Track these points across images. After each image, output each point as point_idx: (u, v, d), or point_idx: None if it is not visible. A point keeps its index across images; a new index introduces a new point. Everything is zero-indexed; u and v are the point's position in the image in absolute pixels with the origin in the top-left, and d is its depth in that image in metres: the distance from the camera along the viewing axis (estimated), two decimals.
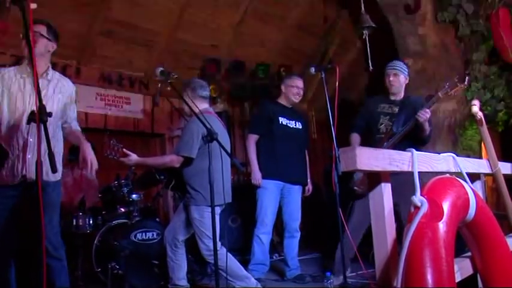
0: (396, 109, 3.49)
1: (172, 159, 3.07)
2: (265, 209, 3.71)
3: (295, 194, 3.86)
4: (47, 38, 2.63)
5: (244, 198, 4.36)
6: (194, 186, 3.05)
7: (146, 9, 5.06)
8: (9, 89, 2.54)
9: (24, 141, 2.51)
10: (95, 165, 2.55)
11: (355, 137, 3.68)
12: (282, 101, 3.99)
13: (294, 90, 3.93)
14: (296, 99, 3.96)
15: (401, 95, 3.55)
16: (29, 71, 2.57)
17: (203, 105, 3.25)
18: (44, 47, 2.63)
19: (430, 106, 3.25)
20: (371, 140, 3.52)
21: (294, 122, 3.94)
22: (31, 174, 2.46)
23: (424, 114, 3.19)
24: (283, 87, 4.00)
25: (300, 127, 3.98)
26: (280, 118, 3.85)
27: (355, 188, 3.45)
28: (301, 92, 3.99)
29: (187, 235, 3.21)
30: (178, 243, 3.18)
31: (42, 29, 2.62)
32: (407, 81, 3.58)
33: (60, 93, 2.69)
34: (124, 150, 3.00)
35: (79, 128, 2.83)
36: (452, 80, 3.23)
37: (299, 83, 3.97)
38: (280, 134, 3.81)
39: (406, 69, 3.55)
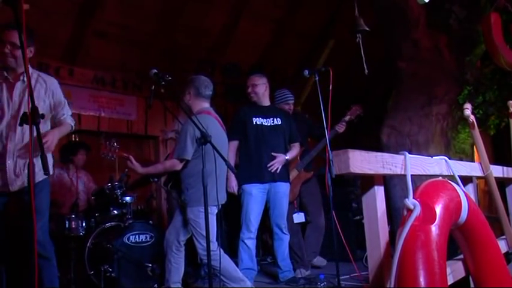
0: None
1: (173, 164, 3.06)
2: (249, 214, 3.66)
3: (281, 195, 3.79)
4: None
5: (230, 202, 4.30)
6: (189, 187, 3.04)
7: (140, 11, 5.05)
8: None
9: (3, 146, 2.43)
10: (48, 147, 2.42)
11: None
12: (255, 101, 3.93)
13: (247, 90, 3.91)
14: (252, 98, 3.88)
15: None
16: (5, 75, 2.47)
17: (204, 105, 3.21)
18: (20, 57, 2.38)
19: (346, 121, 4.16)
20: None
21: (271, 119, 3.84)
22: (11, 181, 2.42)
23: (342, 128, 4.16)
24: None
25: (280, 122, 3.87)
26: (253, 119, 3.78)
27: None
28: (256, 89, 3.86)
29: (187, 235, 3.18)
30: (179, 244, 3.16)
31: (16, 38, 2.35)
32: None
33: (40, 95, 2.54)
34: (130, 158, 3.01)
35: (69, 122, 2.72)
36: (352, 108, 4.24)
37: (250, 80, 3.90)
38: (255, 135, 3.75)
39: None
